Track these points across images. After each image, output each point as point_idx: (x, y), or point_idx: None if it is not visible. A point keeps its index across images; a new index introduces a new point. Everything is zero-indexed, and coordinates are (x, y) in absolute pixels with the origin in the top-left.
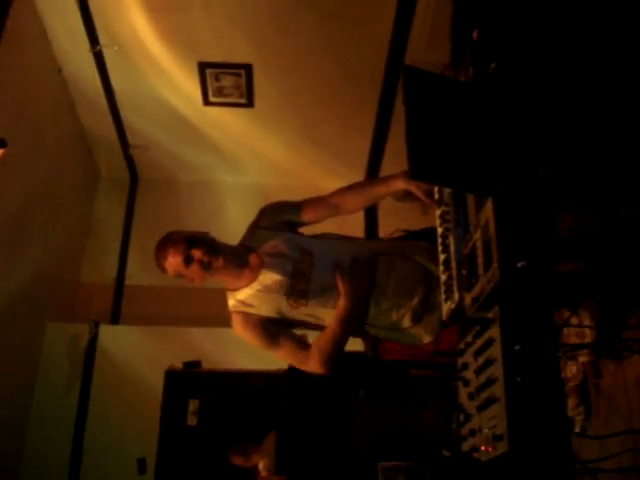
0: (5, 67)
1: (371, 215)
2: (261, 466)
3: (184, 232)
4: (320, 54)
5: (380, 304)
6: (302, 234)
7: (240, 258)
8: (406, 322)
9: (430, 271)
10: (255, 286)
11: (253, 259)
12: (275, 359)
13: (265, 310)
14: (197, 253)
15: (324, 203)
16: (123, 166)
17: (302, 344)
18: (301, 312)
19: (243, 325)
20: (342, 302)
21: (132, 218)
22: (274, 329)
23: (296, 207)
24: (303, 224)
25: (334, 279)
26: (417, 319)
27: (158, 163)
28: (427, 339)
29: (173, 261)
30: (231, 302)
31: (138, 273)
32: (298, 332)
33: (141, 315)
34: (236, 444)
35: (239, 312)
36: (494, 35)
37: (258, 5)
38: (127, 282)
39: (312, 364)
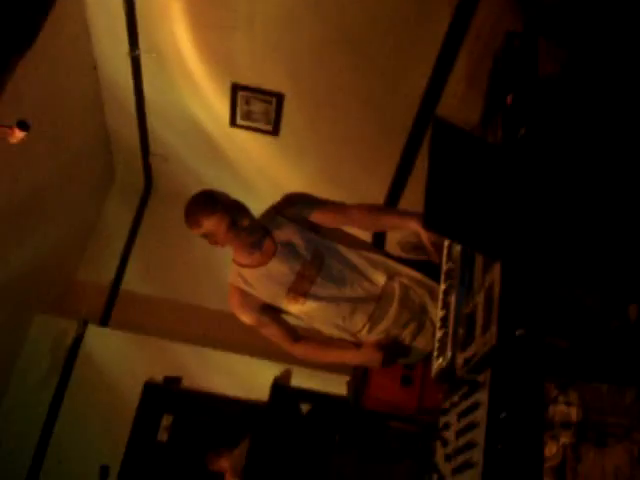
0: (42, 54)
1: None
2: (228, 465)
3: (228, 196)
4: (352, 95)
5: (375, 326)
6: (321, 231)
7: (257, 238)
8: None
9: (427, 308)
10: (262, 270)
11: (267, 245)
12: (256, 388)
13: (263, 295)
14: (245, 221)
15: (342, 213)
16: (140, 173)
17: (290, 331)
18: (295, 308)
19: (241, 302)
20: (361, 356)
21: (139, 225)
22: (268, 312)
23: (317, 207)
24: (315, 226)
25: (336, 290)
26: None
27: (175, 175)
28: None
29: (217, 222)
30: (234, 276)
31: (136, 280)
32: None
33: (131, 322)
34: (215, 450)
35: (240, 289)
36: (528, 102)
37: (301, 37)
38: (123, 287)
39: (295, 354)
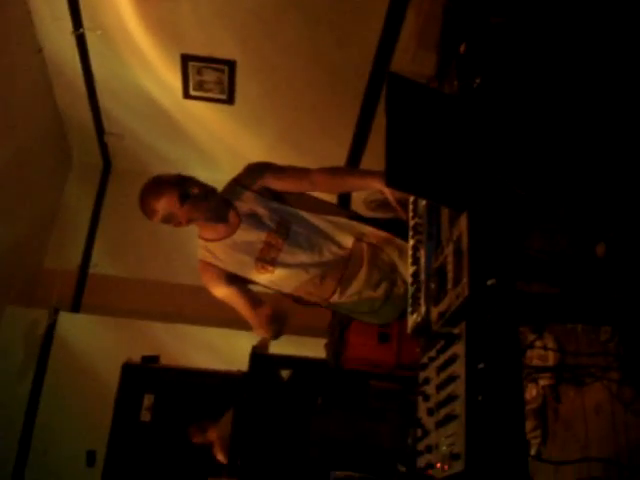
0: None
1: None
2: (215, 436)
3: (173, 173)
4: (305, 58)
5: (346, 289)
6: (285, 199)
7: (220, 210)
8: (364, 309)
9: (396, 267)
10: (228, 242)
11: (232, 216)
12: (235, 359)
13: (232, 267)
14: (194, 189)
15: (305, 179)
16: (97, 153)
17: (254, 298)
18: (265, 278)
19: (211, 277)
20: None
21: (101, 206)
22: (237, 284)
23: (279, 174)
24: (279, 194)
25: (305, 256)
26: (375, 310)
27: (132, 153)
28: (377, 323)
29: (168, 200)
30: (202, 252)
31: (103, 262)
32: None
33: (102, 305)
34: (197, 422)
35: (209, 263)
36: (481, 50)
37: (247, 2)
38: (91, 271)
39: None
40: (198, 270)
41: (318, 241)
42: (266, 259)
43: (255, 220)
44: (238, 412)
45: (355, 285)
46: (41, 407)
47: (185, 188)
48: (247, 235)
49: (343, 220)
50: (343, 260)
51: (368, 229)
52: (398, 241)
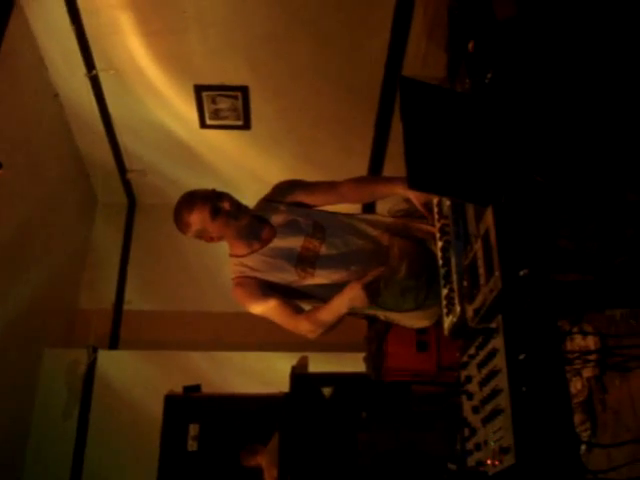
0: (1, 91)
1: None
2: (264, 462)
3: (207, 189)
4: (316, 75)
5: (388, 287)
6: (316, 208)
7: (253, 227)
8: (408, 305)
9: (435, 256)
10: (265, 251)
11: (265, 231)
12: (275, 381)
13: (272, 275)
14: (225, 205)
15: (333, 191)
16: (121, 191)
17: (295, 307)
18: (307, 282)
19: (250, 292)
20: (344, 297)
21: (130, 243)
22: (270, 289)
23: (308, 189)
24: (309, 206)
25: (343, 256)
26: (419, 303)
27: (156, 187)
28: (425, 324)
29: (199, 214)
30: (237, 268)
31: (136, 298)
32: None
33: (140, 340)
34: (248, 446)
35: (246, 277)
36: (490, 45)
37: (253, 27)
38: (126, 307)
39: (303, 327)
40: (232, 290)
41: (355, 239)
42: (305, 262)
43: (291, 227)
44: (283, 433)
45: (397, 278)
46: (88, 445)
47: (217, 203)
48: (284, 242)
49: (375, 217)
50: (382, 255)
51: (400, 221)
52: (433, 230)
